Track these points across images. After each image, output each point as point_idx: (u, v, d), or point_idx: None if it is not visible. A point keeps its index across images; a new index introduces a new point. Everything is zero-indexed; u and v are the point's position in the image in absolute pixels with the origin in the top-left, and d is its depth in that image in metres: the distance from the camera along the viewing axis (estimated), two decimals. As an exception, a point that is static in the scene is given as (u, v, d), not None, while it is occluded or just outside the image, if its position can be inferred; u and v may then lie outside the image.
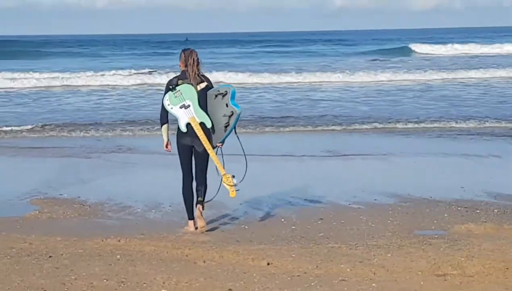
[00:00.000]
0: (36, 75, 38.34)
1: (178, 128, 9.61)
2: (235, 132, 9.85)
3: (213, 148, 9.65)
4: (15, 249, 8.88)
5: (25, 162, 15.63)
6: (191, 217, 9.93)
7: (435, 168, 14.65)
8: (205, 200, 9.89)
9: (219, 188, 9.87)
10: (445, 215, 10.61)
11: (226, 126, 9.66)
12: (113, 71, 40.34)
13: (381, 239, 9.28)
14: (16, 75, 37.91)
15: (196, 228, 9.82)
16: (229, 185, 9.69)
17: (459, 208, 10.98)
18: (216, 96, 9.69)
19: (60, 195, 12.13)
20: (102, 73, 39.30)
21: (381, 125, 20.17)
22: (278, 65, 48.16)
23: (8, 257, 8.57)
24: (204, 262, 8.33)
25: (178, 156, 9.89)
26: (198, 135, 9.48)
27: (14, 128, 19.86)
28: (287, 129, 19.95)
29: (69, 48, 77.54)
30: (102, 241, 9.23)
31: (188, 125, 9.50)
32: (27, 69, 41.69)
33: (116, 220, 10.55)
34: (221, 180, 9.73)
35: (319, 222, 10.25)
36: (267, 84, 34.97)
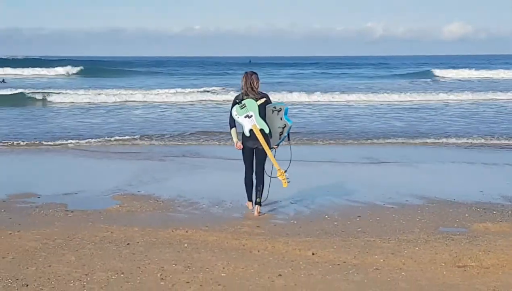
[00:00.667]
0: (122, 91, 38.23)
1: (243, 133, 10.28)
2: (288, 139, 10.55)
3: (270, 148, 10.31)
4: (98, 236, 9.01)
5: (109, 164, 15.76)
6: (250, 198, 10.75)
7: (458, 175, 14.53)
8: (262, 200, 10.60)
9: (268, 190, 10.65)
10: (466, 215, 10.52)
11: (280, 134, 10.34)
12: (188, 89, 40.12)
13: (410, 234, 9.24)
14: (108, 91, 37.74)
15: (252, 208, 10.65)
16: (283, 178, 10.32)
17: (478, 209, 10.89)
18: (273, 111, 10.33)
19: (138, 191, 12.24)
20: (176, 90, 39.19)
21: (412, 140, 19.92)
22: (327, 85, 47.88)
23: (93, 243, 8.69)
24: (258, 251, 8.36)
25: (242, 157, 10.61)
26: (258, 138, 10.15)
27: (103, 137, 20.02)
28: (333, 141, 19.82)
29: (148, 67, 77.91)
30: (172, 231, 9.32)
31: (251, 131, 10.20)
32: (113, 86, 42.04)
33: (185, 213, 10.61)
34: (276, 175, 10.41)
35: (357, 219, 10.23)
36: (316, 101, 34.84)
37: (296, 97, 35.59)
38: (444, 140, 19.78)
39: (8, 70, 62.19)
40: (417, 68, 78.92)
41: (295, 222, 10.05)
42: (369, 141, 19.62)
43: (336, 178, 13.75)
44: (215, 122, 24.02)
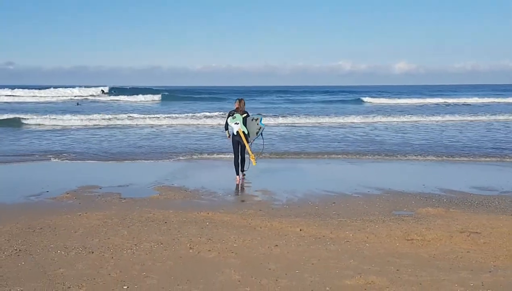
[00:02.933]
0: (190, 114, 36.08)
1: (233, 132, 12.50)
2: (262, 136, 13.00)
3: (250, 142, 12.65)
4: (144, 217, 9.03)
5: (150, 165, 15.73)
6: (237, 173, 12.53)
7: (406, 173, 14.53)
8: (244, 169, 12.73)
9: (248, 164, 12.83)
10: (413, 202, 10.50)
11: (256, 133, 12.68)
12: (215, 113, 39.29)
13: (372, 216, 9.24)
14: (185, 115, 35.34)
15: (239, 180, 12.40)
16: (253, 159, 12.63)
17: (421, 198, 10.87)
18: (252, 119, 12.69)
19: (172, 184, 12.25)
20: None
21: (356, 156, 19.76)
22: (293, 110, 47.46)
23: (140, 222, 8.71)
24: (260, 228, 8.37)
25: (232, 147, 12.71)
26: (241, 136, 12.46)
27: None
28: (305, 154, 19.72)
29: (206, 94, 77.17)
30: (198, 213, 9.33)
31: (237, 132, 12.45)
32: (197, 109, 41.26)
33: (207, 200, 10.61)
34: (249, 157, 12.61)
35: (333, 204, 10.22)
36: (291, 123, 34.38)
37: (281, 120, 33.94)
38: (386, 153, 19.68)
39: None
40: (351, 96, 77.58)
41: (287, 206, 10.05)
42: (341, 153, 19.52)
43: (311, 173, 13.76)
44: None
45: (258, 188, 11.86)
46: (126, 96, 62.36)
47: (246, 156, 12.90)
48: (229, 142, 13.12)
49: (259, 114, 13.29)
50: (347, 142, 20.90)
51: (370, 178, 13.11)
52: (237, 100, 12.62)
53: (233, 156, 12.76)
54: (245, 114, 12.53)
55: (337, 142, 21.07)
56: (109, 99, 61.32)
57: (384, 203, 10.35)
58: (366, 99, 63.18)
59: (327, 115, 35.56)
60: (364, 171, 14.44)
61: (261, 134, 12.86)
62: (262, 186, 12.04)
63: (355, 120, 32.58)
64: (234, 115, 12.44)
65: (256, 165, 13.01)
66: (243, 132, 12.46)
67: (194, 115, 34.58)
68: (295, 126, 29.19)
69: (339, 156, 17.17)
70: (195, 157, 16.91)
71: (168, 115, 34.54)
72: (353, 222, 8.75)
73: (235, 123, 12.45)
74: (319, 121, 31.91)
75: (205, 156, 17.13)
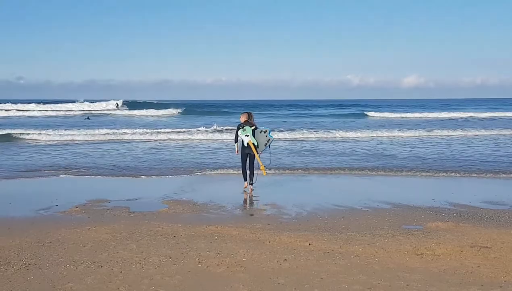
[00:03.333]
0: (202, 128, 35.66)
1: (242, 144, 13.02)
2: (269, 147, 13.26)
3: (258, 153, 13.03)
4: (152, 231, 9.01)
5: (158, 180, 15.73)
6: (245, 179, 13.17)
7: (415, 186, 14.45)
8: (253, 181, 13.18)
9: (256, 177, 13.19)
10: (422, 216, 10.44)
11: (265, 145, 13.07)
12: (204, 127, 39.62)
13: (381, 230, 9.18)
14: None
15: (247, 187, 13.03)
16: (263, 169, 13.26)
17: (431, 212, 10.80)
18: (261, 131, 13.11)
19: (181, 198, 12.24)
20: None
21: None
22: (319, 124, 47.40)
23: (149, 236, 8.69)
24: (269, 242, 8.33)
25: (240, 159, 13.24)
26: (252, 148, 12.95)
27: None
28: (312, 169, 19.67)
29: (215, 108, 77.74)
30: (206, 227, 9.31)
31: (248, 143, 12.95)
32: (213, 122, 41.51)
33: (215, 214, 10.59)
34: (259, 168, 13.19)
35: (342, 219, 10.18)
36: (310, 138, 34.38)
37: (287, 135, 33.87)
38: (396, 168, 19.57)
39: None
40: (353, 109, 78.24)
41: (296, 220, 10.01)
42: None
43: (324, 188, 13.71)
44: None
45: (266, 201, 11.84)
46: (142, 110, 62.45)
47: (254, 171, 13.19)
48: (237, 157, 13.58)
49: (266, 127, 13.61)
50: (355, 157, 20.85)
51: (379, 192, 13.06)
52: (245, 113, 13.22)
53: (241, 165, 13.25)
54: (253, 127, 13.07)
55: (345, 156, 21.02)
56: (125, 113, 61.56)
57: (393, 217, 10.29)
58: (370, 113, 63.66)
59: (334, 130, 35.51)
60: (373, 185, 14.38)
61: (269, 147, 13.24)
62: (271, 199, 12.02)
63: (360, 135, 32.49)
64: (244, 127, 13.01)
65: (266, 175, 13.77)
66: (253, 144, 12.91)
67: (218, 129, 35.11)
68: (300, 140, 29.16)
69: (347, 171, 17.06)
70: (207, 172, 16.86)
71: (198, 129, 34.75)
72: (362, 236, 8.70)
73: (245, 136, 12.96)
74: (324, 136, 31.84)
75: (216, 171, 17.07)
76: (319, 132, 33.53)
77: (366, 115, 62.17)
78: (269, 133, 13.19)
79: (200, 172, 16.58)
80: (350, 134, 32.68)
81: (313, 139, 30.12)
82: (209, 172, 16.54)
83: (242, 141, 13.06)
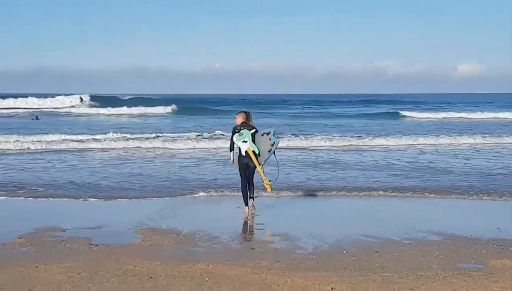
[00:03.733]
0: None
1: (240, 153, 13.24)
2: (274, 155, 13.55)
3: (260, 164, 13.24)
4: (122, 270, 8.92)
5: (129, 202, 15.65)
6: (246, 204, 13.33)
7: (475, 212, 14.34)
8: (254, 195, 13.55)
9: (262, 180, 13.41)
10: (483, 251, 10.34)
11: (269, 151, 13.28)
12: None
13: (428, 270, 9.09)
14: None
15: (249, 210, 13.30)
16: (268, 184, 13.46)
17: (495, 246, 10.71)
18: (262, 134, 13.34)
19: (159, 226, 12.15)
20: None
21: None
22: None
23: (117, 276, 8.61)
24: (278, 285, 8.24)
25: (238, 171, 13.43)
26: (252, 157, 13.14)
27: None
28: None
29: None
30: (194, 265, 9.22)
31: (246, 152, 13.15)
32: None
33: (206, 248, 10.50)
34: (262, 181, 13.40)
35: (375, 254, 10.08)
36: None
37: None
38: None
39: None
40: (386, 107, 78.74)
41: (313, 256, 9.92)
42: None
43: (351, 212, 13.62)
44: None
45: (274, 230, 11.78)
46: (121, 107, 63.11)
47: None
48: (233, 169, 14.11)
49: (269, 129, 13.75)
50: (390, 171, 20.76)
51: (424, 219, 12.98)
52: (241, 113, 13.45)
53: (240, 183, 13.42)
54: (253, 130, 13.23)
55: (377, 170, 20.95)
56: (92, 111, 61.76)
57: (444, 253, 10.19)
58: (406, 113, 64.05)
59: (362, 134, 35.38)
60: (416, 210, 14.31)
61: (274, 153, 13.43)
62: (280, 228, 11.95)
63: (396, 142, 32.35)
64: (241, 131, 13.15)
65: (273, 195, 14.07)
66: (254, 152, 13.12)
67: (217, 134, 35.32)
68: (317, 149, 29.04)
69: (381, 192, 16.95)
70: (194, 192, 16.78)
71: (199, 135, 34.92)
72: (402, 278, 8.60)
73: (242, 142, 13.14)
74: (349, 143, 31.65)
75: (206, 191, 16.99)
76: (342, 139, 33.37)
77: (402, 115, 62.74)
78: (273, 135, 13.35)
79: (186, 192, 16.47)
80: (380, 141, 32.57)
81: (334, 147, 30.02)
82: (197, 192, 16.44)
83: (239, 149, 13.21)
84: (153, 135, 33.76)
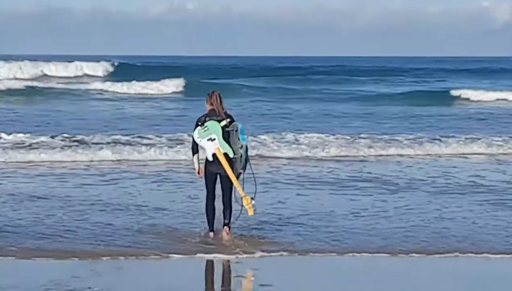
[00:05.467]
0: None
1: (206, 158, 10.72)
2: (248, 162, 10.84)
3: (238, 175, 10.65)
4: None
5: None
6: (211, 228, 10.86)
7: None
8: (230, 222, 10.90)
9: (241, 210, 10.83)
10: None
11: (241, 156, 10.69)
12: None
13: None
14: None
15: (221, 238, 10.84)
16: (249, 206, 10.65)
17: None
18: (235, 131, 10.68)
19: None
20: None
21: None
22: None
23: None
24: None
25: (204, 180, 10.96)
26: (222, 163, 10.47)
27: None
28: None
29: None
30: None
31: (214, 155, 10.52)
32: None
33: None
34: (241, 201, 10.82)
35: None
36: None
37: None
38: None
39: None
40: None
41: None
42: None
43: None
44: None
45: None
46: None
47: (232, 204, 10.88)
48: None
49: (237, 122, 11.22)
50: (471, 199, 14.21)
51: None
52: (208, 95, 10.91)
53: (206, 196, 10.98)
54: (224, 121, 10.76)
55: (444, 197, 14.46)
56: None
57: None
58: (463, 92, 43.98)
59: (400, 134, 25.64)
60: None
61: (247, 160, 10.88)
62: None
63: (462, 148, 23.52)
64: (206, 125, 10.68)
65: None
66: (226, 154, 10.64)
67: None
68: (324, 160, 20.12)
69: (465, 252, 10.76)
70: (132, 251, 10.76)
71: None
72: None
73: (207, 140, 10.62)
74: (378, 153, 22.58)
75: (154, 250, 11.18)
76: (364, 140, 22.64)
77: (454, 96, 43.59)
78: (241, 132, 10.77)
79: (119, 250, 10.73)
80: (438, 149, 22.79)
81: (350, 157, 20.51)
82: (137, 250, 10.68)
83: (205, 152, 10.75)
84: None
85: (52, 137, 21.83)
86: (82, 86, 43.65)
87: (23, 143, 21.17)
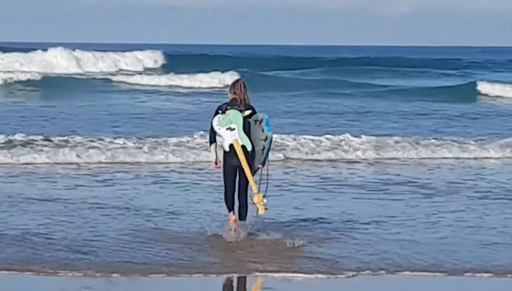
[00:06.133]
0: None
1: (223, 149, 10.21)
2: (267, 157, 10.32)
3: (255, 169, 10.12)
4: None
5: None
6: (231, 208, 10.25)
7: None
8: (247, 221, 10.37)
9: (257, 212, 10.09)
10: None
11: (263, 149, 10.24)
12: None
13: None
14: None
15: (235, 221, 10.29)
16: (260, 204, 10.02)
17: None
18: (255, 122, 10.22)
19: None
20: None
21: None
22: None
23: None
24: None
25: (223, 176, 10.40)
26: (238, 155, 9.97)
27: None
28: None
29: None
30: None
31: (231, 146, 10.01)
32: None
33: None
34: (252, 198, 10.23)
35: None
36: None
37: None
38: None
39: None
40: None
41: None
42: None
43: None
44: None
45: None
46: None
47: (248, 200, 10.18)
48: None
49: (263, 113, 10.66)
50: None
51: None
52: (234, 84, 10.41)
53: (224, 188, 10.34)
54: (247, 112, 10.18)
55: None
56: None
57: None
58: (486, 86, 39.75)
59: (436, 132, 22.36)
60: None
61: (267, 154, 10.31)
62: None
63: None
64: (227, 113, 10.11)
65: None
66: (243, 146, 9.98)
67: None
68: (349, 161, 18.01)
69: None
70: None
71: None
72: None
73: (226, 129, 10.02)
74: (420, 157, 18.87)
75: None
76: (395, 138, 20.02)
77: (480, 91, 39.00)
78: (266, 124, 10.17)
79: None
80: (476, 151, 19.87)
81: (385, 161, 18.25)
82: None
83: (222, 141, 10.17)
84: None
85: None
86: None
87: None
